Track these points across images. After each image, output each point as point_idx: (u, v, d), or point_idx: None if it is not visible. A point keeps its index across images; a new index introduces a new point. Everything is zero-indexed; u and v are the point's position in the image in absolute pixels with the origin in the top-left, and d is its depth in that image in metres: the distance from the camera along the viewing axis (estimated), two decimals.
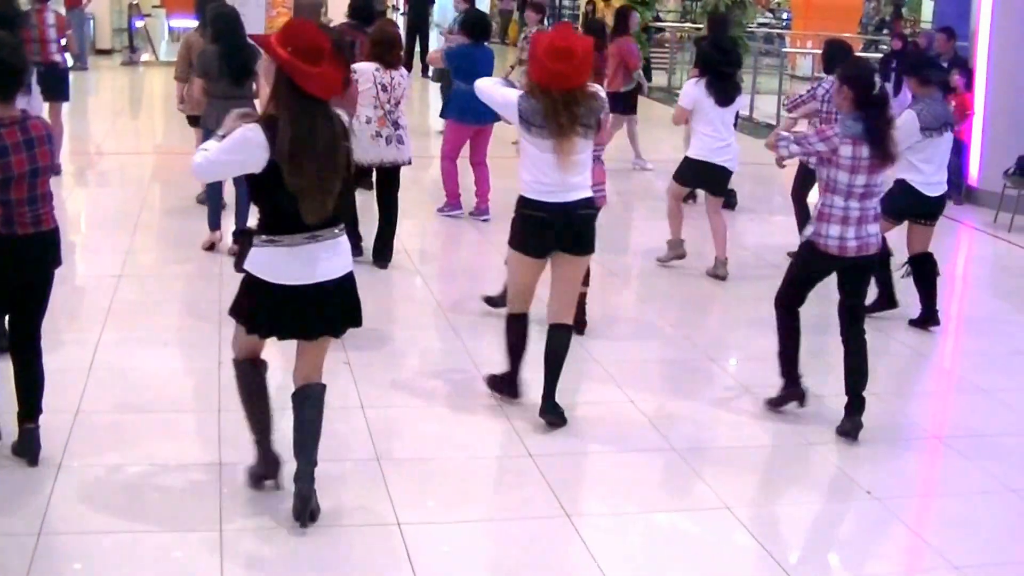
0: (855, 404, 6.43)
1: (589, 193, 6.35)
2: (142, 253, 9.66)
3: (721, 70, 9.38)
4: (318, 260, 5.00)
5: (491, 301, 8.18)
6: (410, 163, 9.47)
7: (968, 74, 13.35)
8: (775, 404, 6.71)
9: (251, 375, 5.33)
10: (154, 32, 24.34)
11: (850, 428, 6.40)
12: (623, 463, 6.09)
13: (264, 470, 5.40)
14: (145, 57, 23.48)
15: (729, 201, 12.32)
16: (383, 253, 9.46)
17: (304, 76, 4.81)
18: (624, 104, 14.03)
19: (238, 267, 5.09)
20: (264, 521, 5.17)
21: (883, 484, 5.89)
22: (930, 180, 8.27)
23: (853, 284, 6.54)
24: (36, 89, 7.71)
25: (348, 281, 5.16)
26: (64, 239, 9.66)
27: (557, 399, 6.37)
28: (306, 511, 5.12)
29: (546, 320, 6.51)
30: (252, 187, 5.03)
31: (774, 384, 6.75)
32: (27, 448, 5.60)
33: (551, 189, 6.18)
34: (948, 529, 5.54)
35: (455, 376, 7.07)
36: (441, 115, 11.49)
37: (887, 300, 8.66)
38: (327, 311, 5.12)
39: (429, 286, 9.18)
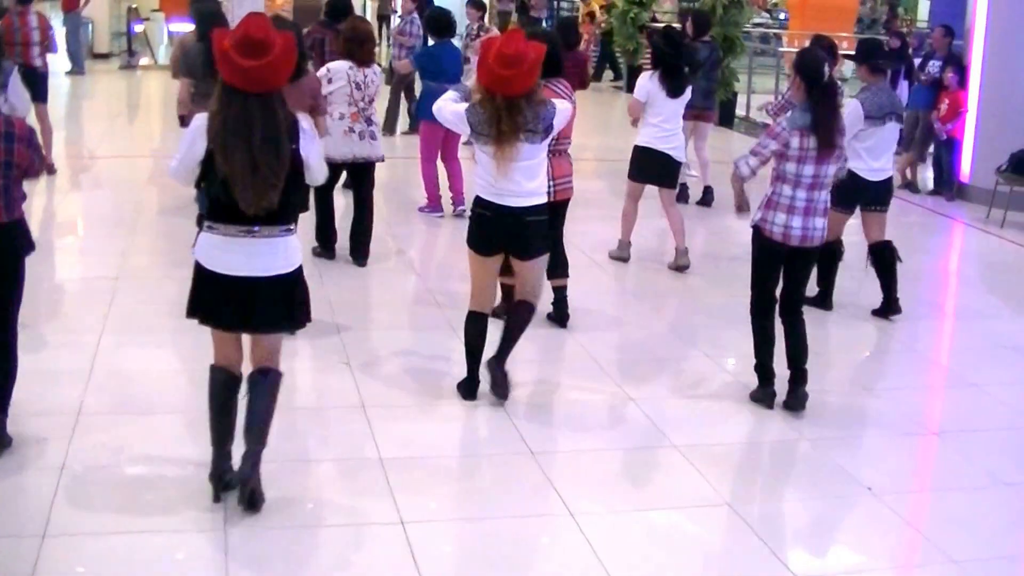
0: (796, 377, 6.73)
1: (541, 199, 6.48)
2: (138, 255, 9.66)
3: (672, 63, 9.64)
4: (251, 255, 5.04)
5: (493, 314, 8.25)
6: (382, 160, 9.51)
7: (962, 72, 13.40)
8: (753, 398, 6.89)
9: (218, 384, 5.31)
10: (152, 36, 24.35)
11: (794, 402, 6.71)
12: (624, 460, 6.13)
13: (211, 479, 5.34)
14: (143, 61, 23.47)
15: (706, 198, 12.56)
16: (359, 251, 9.50)
17: (230, 68, 4.90)
18: None
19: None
20: (269, 521, 5.18)
21: (882, 480, 5.92)
22: (872, 167, 8.45)
23: (794, 272, 6.75)
24: (17, 88, 7.73)
25: (284, 282, 5.14)
26: (60, 242, 9.79)
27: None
28: (244, 495, 5.15)
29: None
30: (202, 175, 5.07)
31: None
32: None
33: (499, 192, 6.34)
34: (947, 524, 5.56)
35: (455, 375, 7.09)
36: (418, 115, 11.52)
37: (822, 299, 8.76)
38: (253, 308, 5.12)
39: (425, 284, 9.19)
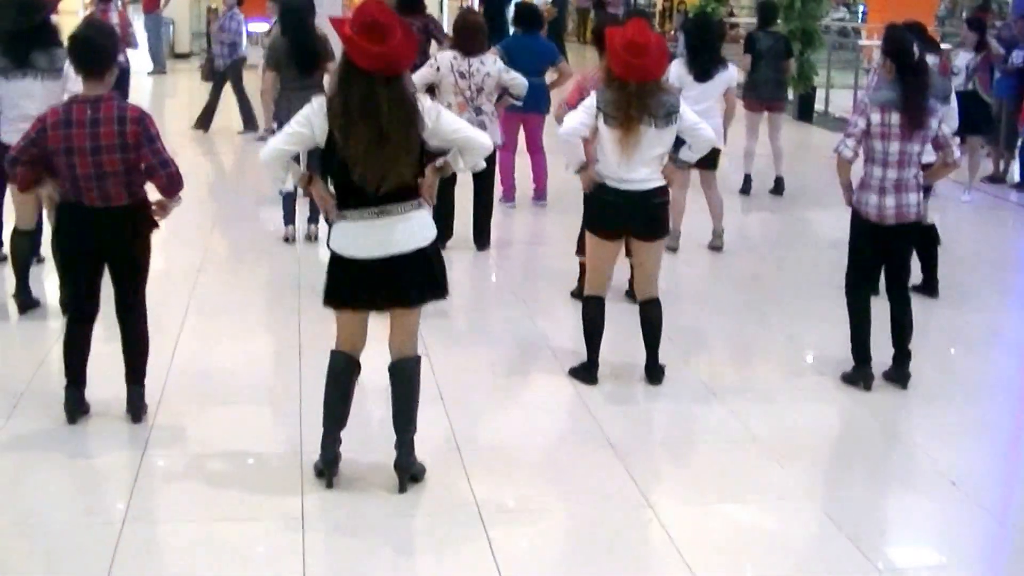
0: (900, 356, 6.89)
1: (660, 182, 6.62)
2: (220, 247, 9.78)
3: (695, 46, 9.85)
4: (386, 234, 5.13)
5: (574, 294, 8.31)
6: (499, 146, 9.57)
7: None
8: (846, 379, 6.93)
9: (340, 369, 5.39)
10: None
11: (897, 376, 6.87)
12: (705, 452, 6.08)
13: (322, 465, 5.43)
14: None
15: (777, 188, 12.64)
16: (480, 237, 9.81)
17: (360, 52, 4.97)
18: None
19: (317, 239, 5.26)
20: (346, 509, 5.21)
21: (967, 474, 5.81)
22: None
23: (896, 250, 6.86)
24: (70, 73, 7.82)
25: (423, 255, 5.23)
26: None
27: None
28: (404, 482, 5.33)
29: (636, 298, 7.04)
30: (323, 163, 5.20)
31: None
32: (128, 407, 6.01)
33: (622, 178, 6.51)
34: None
35: (533, 365, 7.10)
36: None
37: (928, 286, 8.82)
38: (397, 284, 5.21)
39: (505, 273, 9.18)
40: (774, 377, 7.14)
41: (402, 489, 5.33)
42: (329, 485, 5.36)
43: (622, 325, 6.99)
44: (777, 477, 5.73)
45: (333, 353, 5.42)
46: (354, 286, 5.22)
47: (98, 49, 5.77)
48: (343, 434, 5.39)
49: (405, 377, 5.39)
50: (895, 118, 6.50)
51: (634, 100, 6.37)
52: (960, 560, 5.13)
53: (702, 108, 9.59)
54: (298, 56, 9.21)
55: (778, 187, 12.61)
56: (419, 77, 9.19)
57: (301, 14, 9.40)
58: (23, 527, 5.03)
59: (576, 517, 5.32)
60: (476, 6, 27.98)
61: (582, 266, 8.12)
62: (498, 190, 11.33)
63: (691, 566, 4.82)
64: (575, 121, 6.54)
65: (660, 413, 6.60)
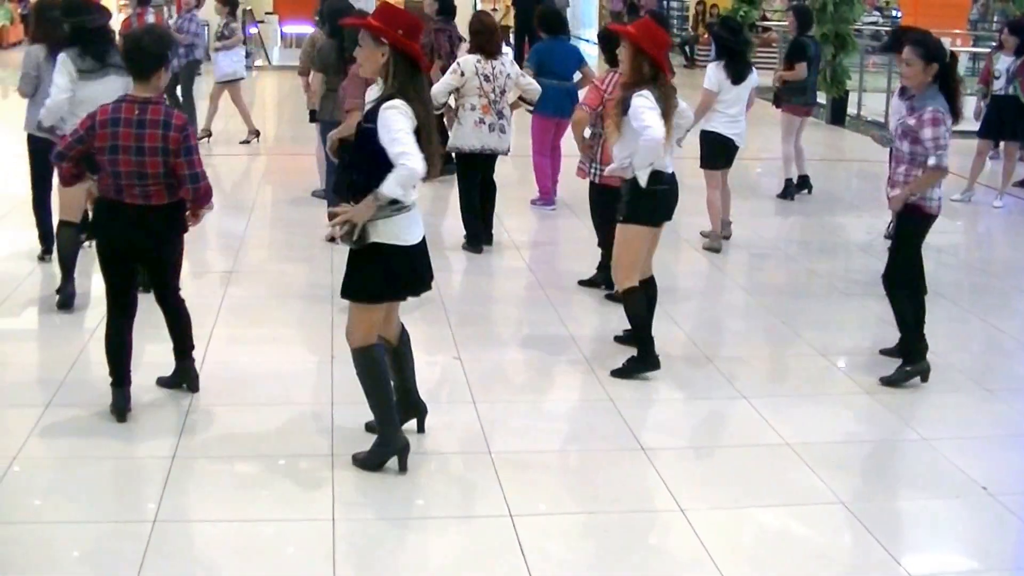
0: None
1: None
2: (254, 249, 9.81)
3: (732, 49, 9.94)
4: (419, 223, 5.41)
5: (587, 282, 8.67)
6: (508, 152, 9.78)
7: None
8: (886, 382, 6.98)
9: (382, 357, 5.51)
10: (267, 38, 24.71)
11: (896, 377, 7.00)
12: (736, 457, 6.07)
13: (390, 454, 5.53)
14: (258, 62, 23.79)
15: (805, 184, 12.64)
16: (485, 233, 9.89)
17: (416, 53, 5.19)
18: None
19: (360, 243, 5.22)
20: (378, 512, 5.24)
21: (999, 480, 5.78)
22: None
23: None
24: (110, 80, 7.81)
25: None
26: None
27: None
28: (416, 419, 5.85)
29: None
30: (385, 161, 5.14)
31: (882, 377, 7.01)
32: (185, 380, 6.43)
33: (664, 164, 6.74)
34: None
35: (567, 370, 7.10)
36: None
37: None
38: (429, 264, 5.58)
39: (536, 277, 9.20)
40: (805, 381, 7.15)
41: (421, 429, 5.86)
42: (403, 469, 5.49)
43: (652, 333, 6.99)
44: (808, 482, 5.72)
45: (370, 348, 5.47)
46: (412, 273, 5.45)
47: (144, 51, 5.86)
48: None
49: (408, 341, 5.77)
50: (950, 122, 6.69)
51: (672, 92, 6.71)
52: (992, 566, 5.11)
53: (737, 110, 9.71)
54: (343, 59, 9.27)
55: (803, 184, 12.63)
56: (444, 84, 9.22)
57: (345, 15, 9.45)
58: (54, 525, 5.07)
59: (607, 521, 5.32)
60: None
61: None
62: (534, 193, 11.40)
63: (721, 570, 4.83)
64: (659, 124, 6.53)
65: (690, 416, 6.60)
